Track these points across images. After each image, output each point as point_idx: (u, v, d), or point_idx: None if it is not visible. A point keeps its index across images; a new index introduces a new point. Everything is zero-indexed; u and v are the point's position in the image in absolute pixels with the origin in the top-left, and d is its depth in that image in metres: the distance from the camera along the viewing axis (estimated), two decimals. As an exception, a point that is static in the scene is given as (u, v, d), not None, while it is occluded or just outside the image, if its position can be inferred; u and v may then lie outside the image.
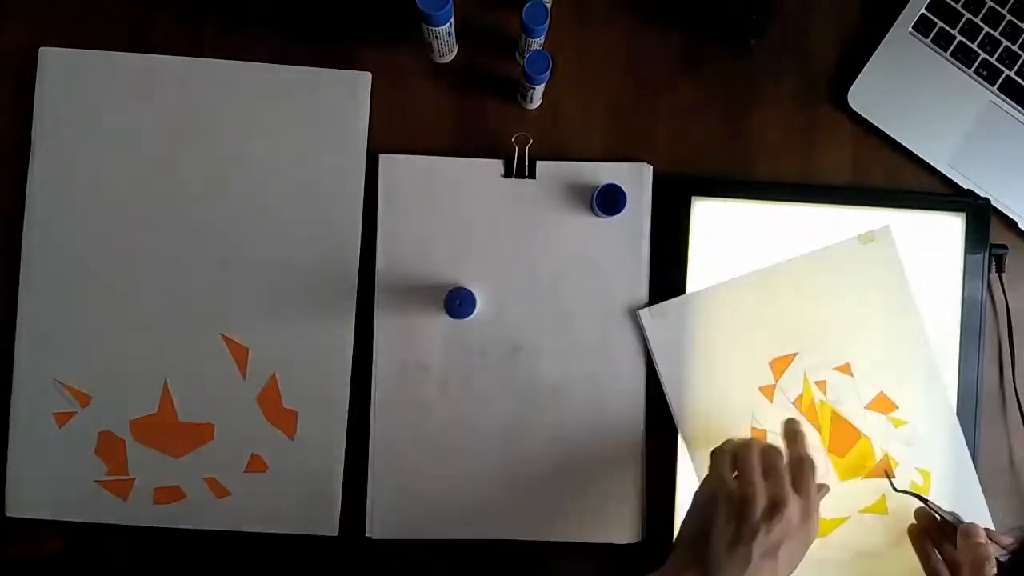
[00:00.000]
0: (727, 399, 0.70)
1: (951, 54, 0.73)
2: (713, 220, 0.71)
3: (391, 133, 0.72)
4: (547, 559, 0.71)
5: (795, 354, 0.71)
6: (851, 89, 0.73)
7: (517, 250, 0.71)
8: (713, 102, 0.74)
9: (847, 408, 0.70)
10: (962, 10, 0.73)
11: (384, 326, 0.70)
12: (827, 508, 0.69)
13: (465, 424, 0.70)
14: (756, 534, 0.57)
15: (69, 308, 0.70)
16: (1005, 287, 0.72)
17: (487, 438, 0.70)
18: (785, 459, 0.62)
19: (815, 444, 0.69)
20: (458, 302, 0.68)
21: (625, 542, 0.70)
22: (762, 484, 0.59)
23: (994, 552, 0.62)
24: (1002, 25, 0.72)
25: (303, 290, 0.70)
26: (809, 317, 0.71)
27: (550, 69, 0.66)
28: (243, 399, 0.70)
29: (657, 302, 0.71)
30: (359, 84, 0.72)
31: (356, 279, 0.70)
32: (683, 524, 0.62)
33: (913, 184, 0.73)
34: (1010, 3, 0.72)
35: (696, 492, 0.63)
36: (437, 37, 0.68)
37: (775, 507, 0.58)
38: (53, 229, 0.70)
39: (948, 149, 0.73)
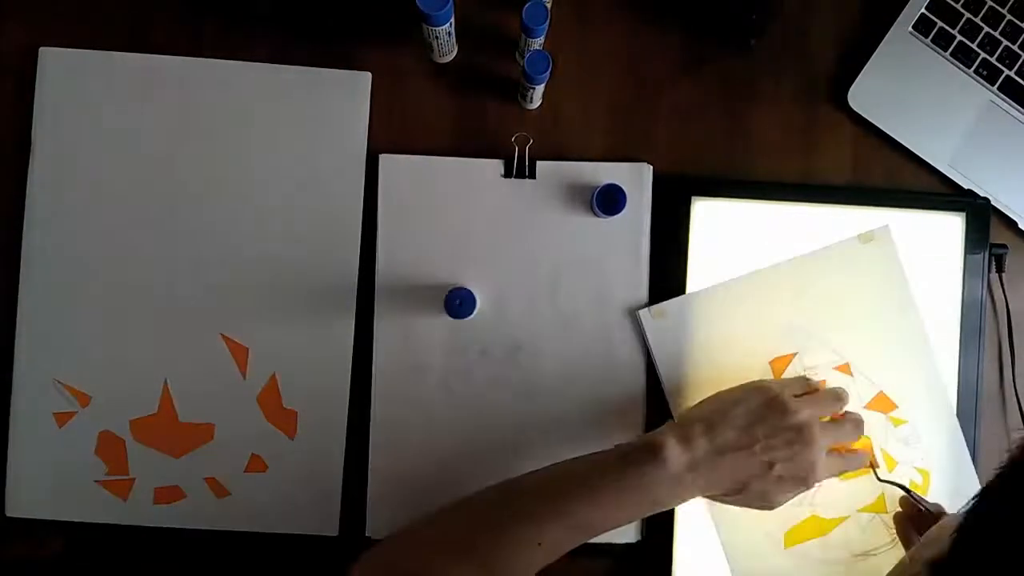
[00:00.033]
0: (727, 399, 0.70)
1: (951, 54, 0.73)
2: (713, 220, 0.71)
3: (391, 133, 0.72)
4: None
5: (795, 354, 0.70)
6: (851, 89, 0.73)
7: (517, 250, 0.71)
8: (713, 102, 0.74)
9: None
10: (962, 10, 0.73)
11: (384, 326, 0.70)
12: (827, 508, 0.70)
13: (465, 424, 0.70)
14: (771, 438, 0.56)
15: (69, 308, 0.70)
16: (1005, 287, 0.72)
17: (487, 438, 0.70)
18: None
19: None
20: (458, 302, 0.68)
21: (625, 542, 0.70)
22: (809, 405, 0.59)
23: None
24: (1002, 25, 0.72)
25: (303, 290, 0.70)
26: (809, 317, 0.71)
27: (550, 69, 0.66)
28: (243, 399, 0.70)
29: (657, 302, 0.71)
30: (359, 84, 0.72)
31: (356, 279, 0.70)
32: (689, 408, 0.63)
33: (913, 184, 0.73)
34: (1010, 3, 0.72)
35: (722, 391, 0.64)
36: (437, 37, 0.68)
37: (802, 430, 0.57)
38: (53, 229, 0.70)
39: (948, 149, 0.73)
